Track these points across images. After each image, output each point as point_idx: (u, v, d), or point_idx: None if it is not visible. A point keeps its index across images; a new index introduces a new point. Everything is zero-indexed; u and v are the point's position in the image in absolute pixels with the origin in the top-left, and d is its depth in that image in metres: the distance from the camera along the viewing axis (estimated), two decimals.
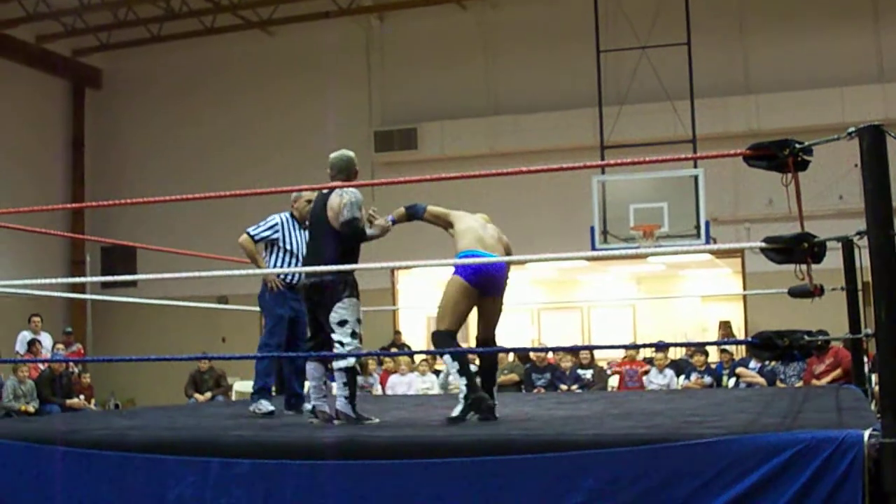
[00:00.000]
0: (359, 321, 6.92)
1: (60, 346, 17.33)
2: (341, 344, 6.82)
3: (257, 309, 13.68)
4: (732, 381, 14.81)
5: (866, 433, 4.59)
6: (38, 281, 9.23)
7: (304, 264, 7.04)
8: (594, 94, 17.08)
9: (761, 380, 14.35)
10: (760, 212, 17.84)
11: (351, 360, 6.81)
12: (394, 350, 18.05)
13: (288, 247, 8.82)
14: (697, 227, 14.99)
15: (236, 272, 7.46)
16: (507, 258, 7.09)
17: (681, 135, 16.36)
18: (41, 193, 20.79)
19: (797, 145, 5.21)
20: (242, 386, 17.81)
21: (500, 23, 20.62)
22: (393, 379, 16.17)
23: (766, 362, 14.39)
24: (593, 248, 15.32)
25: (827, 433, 4.68)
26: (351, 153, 7.31)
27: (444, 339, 6.88)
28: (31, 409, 15.04)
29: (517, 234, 9.26)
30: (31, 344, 16.59)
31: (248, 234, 8.86)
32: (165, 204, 19.80)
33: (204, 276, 7.18)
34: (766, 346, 5.35)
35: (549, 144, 19.17)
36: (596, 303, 22.95)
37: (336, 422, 6.75)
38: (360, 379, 15.60)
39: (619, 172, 15.84)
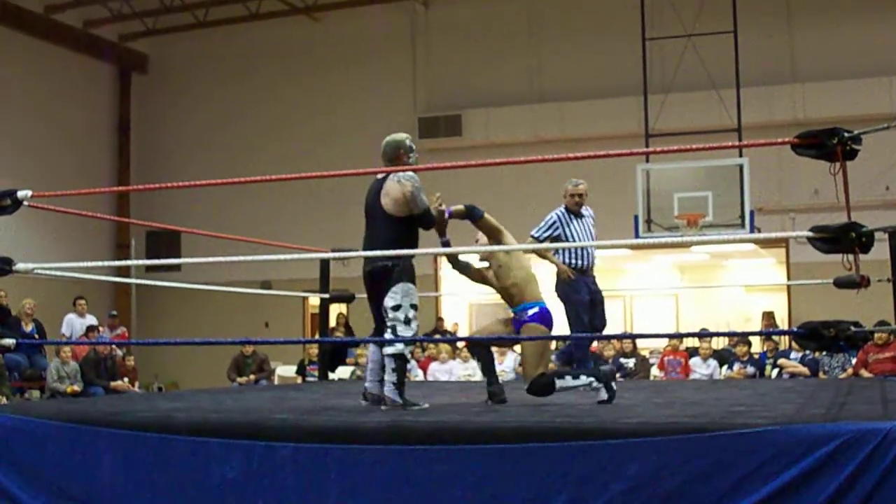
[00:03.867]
0: (413, 307, 6.90)
1: (103, 328, 17.45)
2: (394, 330, 6.81)
3: (300, 294, 13.77)
4: (776, 372, 14.73)
5: None
6: (84, 264, 9.31)
7: (365, 249, 7.08)
8: (639, 82, 17.00)
9: (804, 369, 14.26)
10: (806, 201, 17.70)
11: (399, 346, 6.79)
12: (437, 336, 18.07)
13: (573, 239, 9.40)
14: (742, 216, 14.90)
15: (279, 256, 7.46)
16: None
17: (726, 123, 16.25)
18: (87, 177, 20.90)
19: (846, 134, 5.16)
20: (285, 370, 17.90)
21: (545, 10, 20.54)
22: (433, 366, 16.17)
23: (809, 352, 14.29)
24: (637, 237, 15.26)
25: (872, 425, 4.66)
26: (396, 136, 7.23)
27: (546, 385, 7.07)
28: (76, 388, 15.18)
29: None
30: (90, 330, 16.70)
31: (532, 236, 9.49)
32: (210, 189, 20.04)
33: (247, 261, 7.19)
34: (813, 336, 5.32)
35: (593, 132, 19.09)
36: (639, 292, 22.87)
37: (383, 407, 6.77)
38: None
39: (664, 161, 15.77)
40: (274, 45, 22.38)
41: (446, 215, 7.15)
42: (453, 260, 7.69)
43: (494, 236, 7.29)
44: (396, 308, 6.84)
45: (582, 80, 19.93)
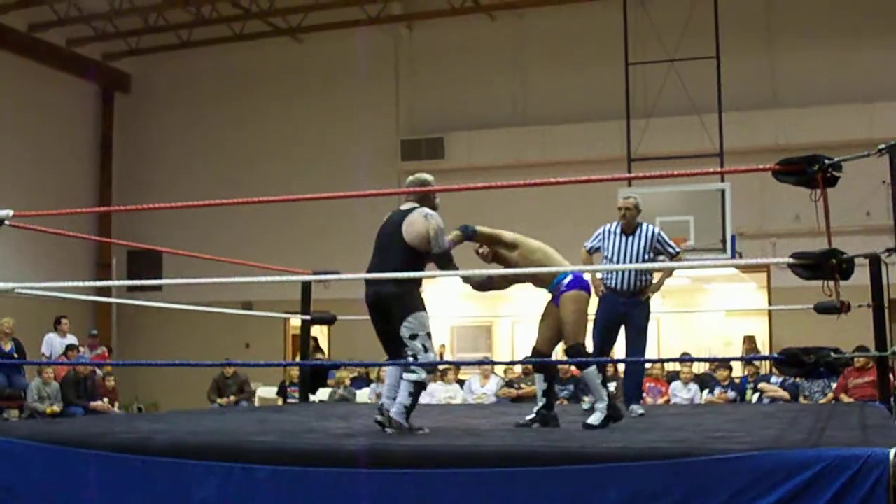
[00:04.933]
0: (429, 335, 6.89)
1: (83, 348, 17.39)
2: (415, 358, 6.78)
3: (281, 315, 13.67)
4: (756, 397, 14.75)
5: (892, 451, 4.56)
6: (64, 284, 9.27)
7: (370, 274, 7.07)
8: (622, 107, 17.04)
9: (784, 393, 14.30)
10: (787, 227, 17.75)
11: (421, 374, 6.79)
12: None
13: (608, 254, 9.19)
14: (723, 241, 14.92)
15: (260, 279, 7.44)
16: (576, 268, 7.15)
17: (708, 148, 16.30)
18: (68, 196, 20.88)
19: (826, 161, 5.19)
20: (266, 392, 17.86)
21: (528, 34, 20.62)
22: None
23: (789, 378, 14.32)
24: None
25: (852, 451, 4.66)
26: (423, 176, 7.27)
27: (583, 352, 7.21)
28: (56, 409, 15.13)
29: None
30: (69, 349, 16.63)
31: (584, 247, 9.46)
32: (192, 210, 19.96)
33: (228, 282, 7.17)
34: (793, 362, 5.33)
35: (575, 156, 19.12)
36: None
37: (388, 430, 6.72)
38: (378, 387, 15.66)
39: (646, 185, 15.80)
40: (257, 66, 22.40)
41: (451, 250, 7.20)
42: (474, 283, 7.73)
43: (497, 242, 7.44)
44: (413, 337, 6.82)
45: (565, 103, 19.99)
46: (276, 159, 21.76)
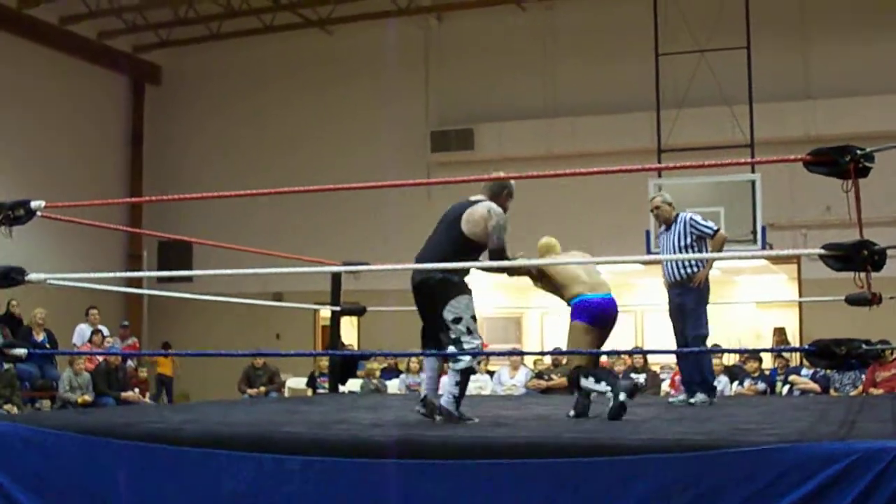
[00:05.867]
0: (473, 318, 6.83)
1: (111, 339, 17.44)
2: (458, 343, 6.73)
3: (311, 306, 13.70)
4: (786, 389, 14.68)
5: None
6: (96, 275, 9.30)
7: (418, 259, 6.99)
8: (652, 97, 16.96)
9: (815, 386, 14.22)
10: (817, 218, 17.65)
11: (467, 360, 6.73)
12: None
13: (659, 252, 9.60)
14: (754, 232, 14.86)
15: (290, 269, 7.47)
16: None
17: (738, 139, 16.21)
18: (100, 188, 20.98)
19: (858, 151, 5.15)
20: (295, 382, 17.89)
21: (558, 24, 20.57)
22: (444, 380, 16.12)
23: (820, 369, 14.23)
24: (648, 252, 15.22)
25: (883, 444, 4.63)
26: (509, 182, 7.17)
27: (575, 377, 7.40)
28: (87, 398, 15.21)
29: (572, 237, 9.33)
30: (94, 334, 16.72)
31: None
32: (222, 200, 20.06)
33: (258, 273, 7.18)
34: (824, 354, 5.29)
35: (605, 147, 19.09)
36: (650, 307, 22.78)
37: (438, 418, 6.71)
38: (407, 378, 15.68)
39: (676, 176, 15.73)
40: (287, 57, 22.44)
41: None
42: (510, 270, 7.77)
43: (541, 276, 7.58)
44: (457, 321, 6.75)
45: (595, 94, 19.94)
46: (306, 150, 21.81)
